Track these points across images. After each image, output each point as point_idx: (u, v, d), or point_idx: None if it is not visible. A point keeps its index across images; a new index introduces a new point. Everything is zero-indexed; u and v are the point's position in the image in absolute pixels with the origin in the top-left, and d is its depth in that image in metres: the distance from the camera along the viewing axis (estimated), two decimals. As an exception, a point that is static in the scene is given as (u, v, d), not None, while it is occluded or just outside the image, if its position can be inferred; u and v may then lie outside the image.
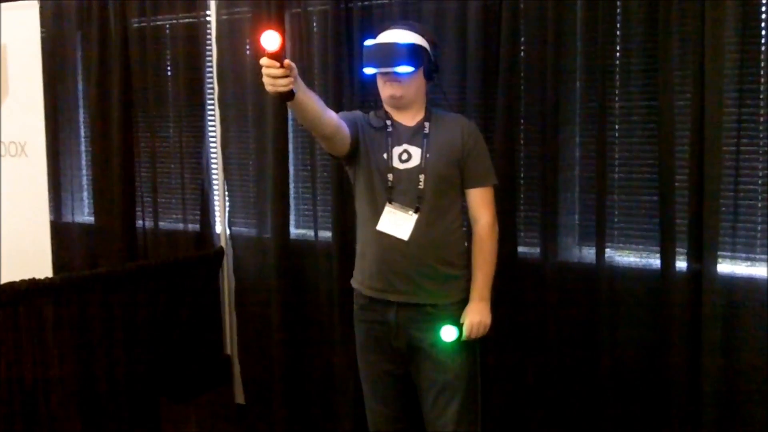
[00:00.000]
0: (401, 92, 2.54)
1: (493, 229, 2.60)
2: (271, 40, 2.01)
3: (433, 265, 2.54)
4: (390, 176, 2.55)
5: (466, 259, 2.66)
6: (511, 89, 3.05)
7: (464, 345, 2.56)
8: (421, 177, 2.52)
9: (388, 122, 2.61)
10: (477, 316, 2.54)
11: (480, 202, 2.59)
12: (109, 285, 3.33)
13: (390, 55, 2.49)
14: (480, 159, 2.59)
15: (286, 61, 2.07)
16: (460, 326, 2.53)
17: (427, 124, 2.59)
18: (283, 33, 2.07)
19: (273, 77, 2.08)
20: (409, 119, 2.61)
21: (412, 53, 2.49)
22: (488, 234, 2.59)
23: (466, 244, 2.68)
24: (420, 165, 2.54)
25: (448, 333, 2.50)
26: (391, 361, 2.63)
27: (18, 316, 3.00)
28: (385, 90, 2.56)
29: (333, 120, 2.42)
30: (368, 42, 2.55)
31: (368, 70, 2.56)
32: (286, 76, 2.08)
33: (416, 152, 2.55)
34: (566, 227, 3.07)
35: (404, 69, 2.50)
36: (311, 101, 2.29)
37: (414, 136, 2.58)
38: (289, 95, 2.15)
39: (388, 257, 2.54)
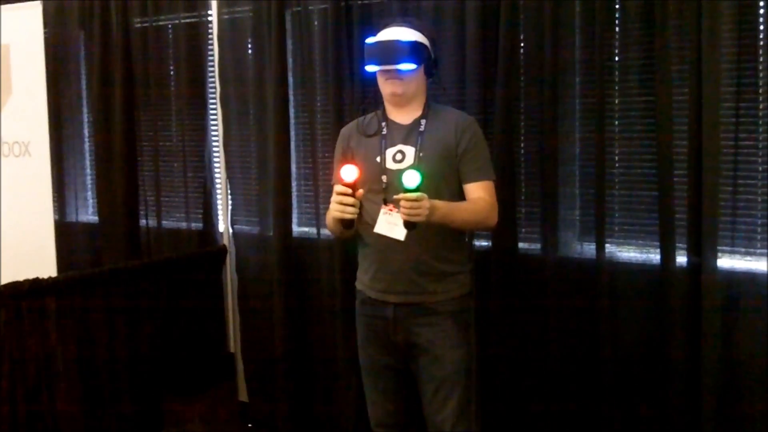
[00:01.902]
0: (402, 89, 2.55)
1: (493, 206, 2.55)
2: (349, 172, 2.36)
3: (430, 263, 2.54)
4: (384, 178, 2.55)
5: (465, 254, 2.67)
6: (510, 84, 3.06)
7: (462, 340, 2.57)
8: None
9: (383, 124, 2.61)
10: (428, 204, 2.34)
11: (479, 191, 2.55)
12: (113, 283, 3.35)
13: (392, 52, 2.50)
14: (477, 155, 2.57)
15: (359, 192, 2.39)
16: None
17: (423, 122, 2.58)
18: (360, 168, 2.39)
19: (344, 204, 2.38)
20: (406, 117, 2.61)
21: (414, 50, 2.50)
22: (487, 203, 2.53)
23: (466, 239, 2.69)
24: (413, 164, 2.53)
25: (410, 177, 2.29)
26: (391, 355, 2.63)
27: (21, 314, 3.03)
28: (386, 87, 2.57)
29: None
30: (369, 40, 2.55)
31: (370, 68, 2.56)
32: (354, 205, 2.38)
33: (410, 151, 2.55)
34: (566, 222, 3.07)
35: (406, 66, 2.50)
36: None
37: (409, 134, 2.58)
38: (351, 223, 2.44)
39: (387, 258, 2.55)
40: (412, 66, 2.51)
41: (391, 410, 2.70)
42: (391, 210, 2.48)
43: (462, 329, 2.58)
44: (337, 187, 2.40)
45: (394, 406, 2.69)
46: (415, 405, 2.68)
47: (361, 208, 2.54)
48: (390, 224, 2.49)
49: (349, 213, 2.39)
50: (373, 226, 2.52)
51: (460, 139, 2.55)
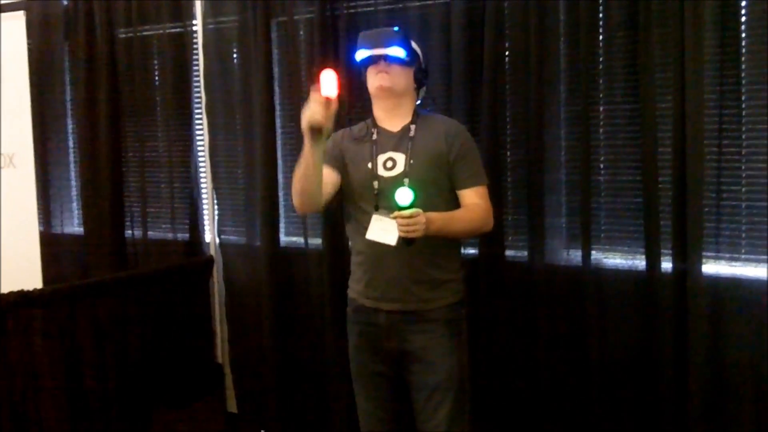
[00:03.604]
0: (390, 83, 2.55)
1: (488, 212, 2.57)
2: (329, 83, 2.25)
3: (425, 270, 2.54)
4: (375, 184, 2.55)
5: (458, 261, 2.68)
6: (495, 93, 3.07)
7: (455, 348, 2.57)
8: (405, 182, 2.52)
9: (374, 130, 2.62)
10: (424, 218, 2.33)
11: (473, 197, 2.57)
12: (99, 295, 3.33)
13: (383, 38, 2.55)
14: (469, 161, 2.58)
15: (335, 105, 2.28)
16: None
17: (412, 127, 2.59)
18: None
19: (314, 111, 2.26)
20: (396, 124, 2.62)
21: (405, 40, 2.55)
22: (482, 209, 2.56)
23: (459, 246, 2.71)
24: (404, 171, 2.54)
25: (403, 195, 2.32)
26: (383, 362, 2.64)
27: (7, 327, 3.01)
28: (375, 80, 2.58)
29: (324, 195, 2.51)
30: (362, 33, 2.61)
31: (361, 53, 2.59)
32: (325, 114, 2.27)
33: (400, 159, 2.56)
34: (553, 230, 3.08)
35: (396, 51, 2.53)
36: (319, 164, 2.42)
37: (399, 142, 2.59)
38: (320, 130, 2.30)
39: (379, 265, 2.55)
40: (401, 52, 2.53)
41: (382, 418, 2.70)
42: (383, 216, 2.48)
43: (454, 336, 2.59)
44: (315, 95, 2.28)
45: (386, 414, 2.70)
46: (406, 413, 2.68)
47: (353, 215, 2.59)
48: (382, 230, 2.49)
49: (318, 116, 2.27)
50: (365, 233, 2.52)
51: (451, 146, 2.56)
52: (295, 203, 2.52)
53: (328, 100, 2.27)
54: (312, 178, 2.43)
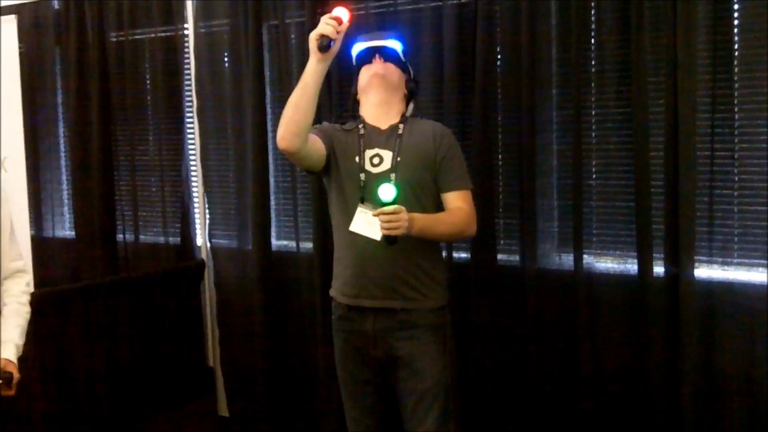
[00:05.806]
0: (384, 70, 2.60)
1: (471, 216, 2.56)
2: (341, 11, 2.36)
3: (406, 268, 2.52)
4: (362, 176, 2.54)
5: (441, 263, 2.67)
6: (487, 97, 3.07)
7: (441, 353, 2.56)
8: (392, 177, 2.51)
9: (361, 126, 2.62)
10: (407, 216, 2.34)
11: (457, 201, 2.56)
12: (90, 299, 3.32)
13: (381, 33, 2.75)
14: (455, 164, 2.58)
15: (345, 24, 2.35)
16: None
17: (401, 126, 2.60)
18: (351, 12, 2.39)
19: (326, 23, 2.32)
20: (383, 123, 2.62)
21: (400, 37, 2.69)
22: (466, 213, 2.55)
23: (444, 252, 2.69)
24: (391, 168, 2.54)
25: (385, 191, 2.31)
26: (370, 370, 2.62)
27: (-3, 332, 2.99)
28: (370, 69, 2.62)
29: (311, 126, 2.45)
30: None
31: (358, 46, 2.68)
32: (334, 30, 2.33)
33: (387, 156, 2.56)
34: (545, 234, 3.07)
35: (393, 43, 2.62)
36: (317, 87, 2.41)
37: (387, 139, 2.59)
38: (329, 45, 2.34)
39: (362, 261, 2.53)
40: (398, 45, 2.62)
41: (370, 425, 2.69)
42: (367, 210, 2.47)
43: (441, 342, 2.58)
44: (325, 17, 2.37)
45: (374, 422, 2.68)
46: (395, 419, 2.67)
47: (338, 209, 2.59)
48: (366, 224, 2.47)
49: (330, 28, 2.33)
50: (348, 227, 2.51)
51: (438, 146, 2.57)
52: (279, 132, 2.40)
53: (339, 21, 2.33)
54: (307, 99, 2.38)
